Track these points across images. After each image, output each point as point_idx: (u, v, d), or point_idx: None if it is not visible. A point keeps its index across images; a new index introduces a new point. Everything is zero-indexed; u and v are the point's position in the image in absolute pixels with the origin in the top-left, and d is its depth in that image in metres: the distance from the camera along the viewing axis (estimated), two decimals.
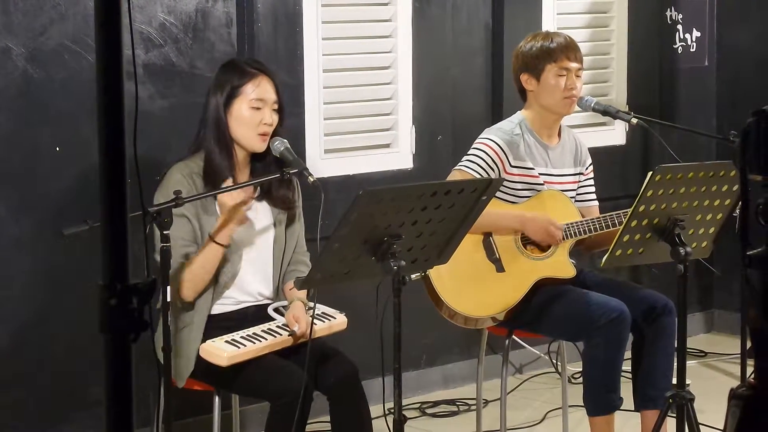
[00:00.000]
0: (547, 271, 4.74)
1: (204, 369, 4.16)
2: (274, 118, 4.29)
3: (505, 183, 4.66)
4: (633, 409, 4.79)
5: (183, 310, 4.22)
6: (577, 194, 4.93)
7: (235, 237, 4.23)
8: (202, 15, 5.10)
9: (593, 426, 4.68)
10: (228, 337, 4.14)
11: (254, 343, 4.13)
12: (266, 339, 4.16)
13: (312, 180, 4.09)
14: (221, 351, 4.08)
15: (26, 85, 4.68)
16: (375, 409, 4.37)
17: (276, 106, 4.30)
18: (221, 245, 4.17)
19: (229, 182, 4.21)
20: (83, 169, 4.76)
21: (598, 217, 4.71)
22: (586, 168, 4.98)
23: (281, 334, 4.19)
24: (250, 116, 4.25)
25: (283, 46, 5.34)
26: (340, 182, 5.49)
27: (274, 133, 4.29)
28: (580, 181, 4.95)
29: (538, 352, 6.22)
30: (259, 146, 4.27)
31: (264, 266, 4.37)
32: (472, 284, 4.70)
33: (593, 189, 4.99)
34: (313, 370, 4.12)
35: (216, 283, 4.26)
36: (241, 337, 4.14)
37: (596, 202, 4.98)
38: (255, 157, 4.34)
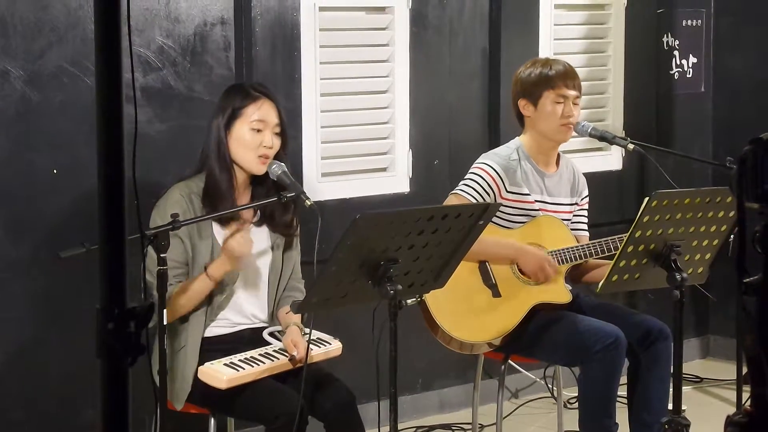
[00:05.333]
0: (543, 297, 4.74)
1: (200, 392, 4.16)
2: (275, 142, 4.29)
3: (500, 208, 4.67)
4: None
5: (177, 333, 4.22)
6: (570, 222, 4.94)
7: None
8: (200, 39, 5.11)
9: None
10: (226, 360, 4.13)
11: (253, 366, 4.12)
12: (264, 363, 4.15)
13: (309, 203, 4.09)
14: (220, 374, 4.08)
15: (24, 108, 4.69)
16: None
17: (278, 130, 4.31)
18: (212, 281, 4.18)
19: (232, 227, 4.20)
20: (81, 192, 4.76)
21: (594, 242, 4.72)
22: (582, 198, 4.98)
23: (279, 359, 4.18)
24: (251, 138, 4.26)
25: (280, 69, 5.35)
26: (337, 206, 5.49)
27: (277, 157, 4.29)
28: (574, 211, 4.95)
29: (534, 377, 6.22)
30: (258, 168, 4.27)
31: (259, 289, 4.37)
32: (468, 310, 4.70)
33: (585, 219, 5.00)
34: (309, 396, 4.11)
35: (210, 304, 4.26)
36: (240, 360, 4.14)
37: (586, 233, 4.98)
38: (255, 181, 4.35)
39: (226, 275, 4.22)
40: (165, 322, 3.87)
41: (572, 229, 4.92)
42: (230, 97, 4.33)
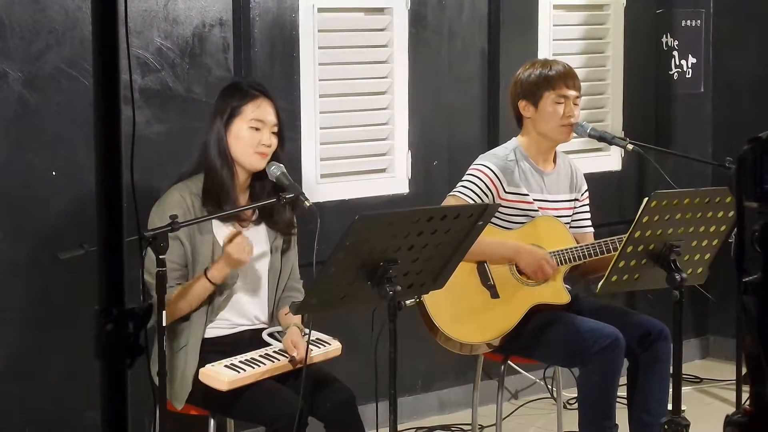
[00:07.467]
0: (541, 298, 4.74)
1: (200, 393, 4.16)
2: (273, 141, 4.30)
3: (499, 209, 4.66)
4: None
5: (177, 333, 4.22)
6: (572, 220, 4.94)
7: None
8: (198, 40, 5.10)
9: None
10: (227, 361, 4.13)
11: (253, 368, 4.12)
12: (265, 364, 4.15)
13: (308, 205, 4.10)
14: (221, 376, 4.08)
15: (22, 110, 4.69)
16: None
17: (275, 129, 4.32)
18: (212, 284, 4.18)
19: (231, 228, 4.21)
20: (79, 194, 4.76)
21: (593, 243, 4.72)
22: (582, 194, 4.98)
23: (279, 360, 4.18)
24: (249, 136, 4.26)
25: (279, 71, 5.35)
26: (336, 207, 5.49)
27: (274, 158, 4.30)
28: (575, 207, 4.95)
29: (533, 378, 6.21)
30: (258, 163, 4.28)
31: (259, 291, 4.38)
32: (466, 310, 4.70)
33: (588, 215, 5.00)
34: (309, 396, 4.11)
35: (210, 304, 4.26)
36: (240, 361, 4.14)
37: (591, 229, 4.99)
38: (254, 180, 4.35)
39: (226, 277, 4.22)
40: (164, 323, 3.87)
41: (577, 227, 4.92)
42: (228, 96, 4.34)
